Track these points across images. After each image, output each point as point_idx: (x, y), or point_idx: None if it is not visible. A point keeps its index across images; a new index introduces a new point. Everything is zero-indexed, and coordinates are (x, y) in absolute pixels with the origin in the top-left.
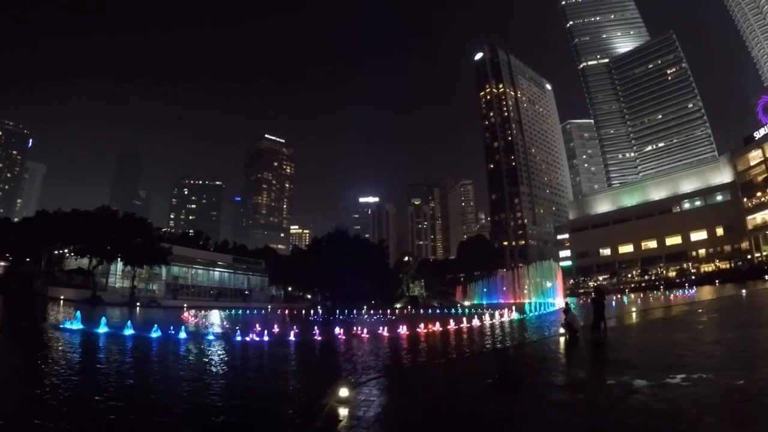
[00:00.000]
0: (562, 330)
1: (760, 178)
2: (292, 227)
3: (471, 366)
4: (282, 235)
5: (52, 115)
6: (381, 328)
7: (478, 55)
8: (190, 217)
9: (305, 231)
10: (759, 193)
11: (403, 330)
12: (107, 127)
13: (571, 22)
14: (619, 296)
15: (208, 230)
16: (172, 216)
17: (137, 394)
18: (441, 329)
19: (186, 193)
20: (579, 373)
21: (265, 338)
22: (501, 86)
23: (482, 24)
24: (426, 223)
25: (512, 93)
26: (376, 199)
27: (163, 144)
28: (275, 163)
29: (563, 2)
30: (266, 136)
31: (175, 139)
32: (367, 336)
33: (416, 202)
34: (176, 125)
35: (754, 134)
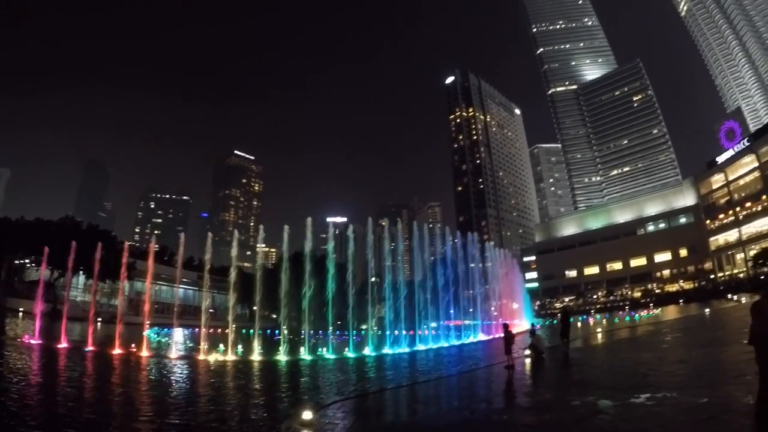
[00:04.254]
0: (527, 351)
1: (722, 201)
2: (258, 245)
3: (436, 389)
4: (248, 253)
5: (19, 120)
6: (344, 348)
7: (450, 79)
8: (156, 232)
9: (272, 249)
10: (721, 216)
11: (368, 351)
12: (75, 135)
13: (541, 49)
14: (588, 318)
15: (174, 246)
16: (137, 230)
17: None
18: (408, 351)
19: (152, 206)
20: (545, 394)
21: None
22: (471, 110)
23: (454, 48)
24: (394, 244)
25: (482, 117)
26: (344, 219)
27: (131, 156)
28: (243, 180)
29: (535, 29)
30: (236, 152)
31: (143, 152)
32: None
33: (384, 223)
34: (145, 138)
35: (717, 159)
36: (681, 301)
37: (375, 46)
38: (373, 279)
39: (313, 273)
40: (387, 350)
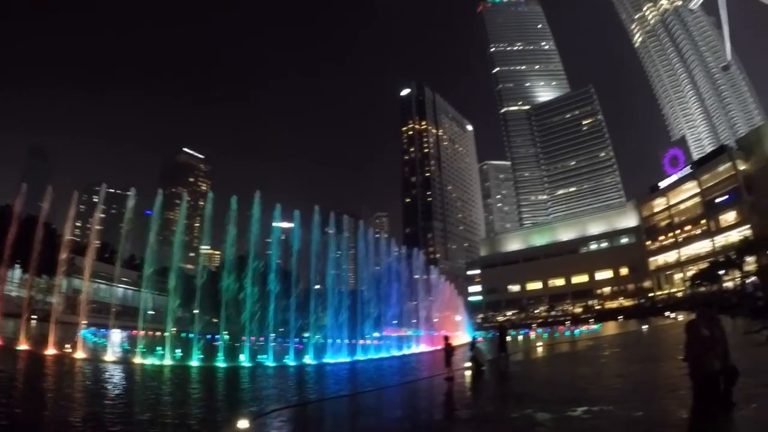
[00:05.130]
0: (468, 364)
1: (662, 224)
2: (202, 247)
3: (376, 399)
4: (192, 254)
5: None
6: (285, 356)
7: (405, 91)
8: (98, 227)
9: (216, 252)
10: (661, 237)
11: (309, 359)
12: (18, 124)
13: (498, 68)
14: (530, 332)
15: (116, 243)
16: (78, 223)
17: None
18: (349, 360)
19: (95, 201)
20: (484, 407)
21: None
22: (424, 123)
23: (412, 60)
24: (340, 252)
25: (434, 131)
26: (291, 225)
27: (76, 149)
28: (191, 179)
29: (493, 49)
30: (184, 149)
31: (89, 144)
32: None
33: (330, 231)
34: (91, 130)
35: (659, 184)
36: (620, 317)
37: (333, 54)
38: (317, 286)
39: (256, 278)
40: (328, 359)
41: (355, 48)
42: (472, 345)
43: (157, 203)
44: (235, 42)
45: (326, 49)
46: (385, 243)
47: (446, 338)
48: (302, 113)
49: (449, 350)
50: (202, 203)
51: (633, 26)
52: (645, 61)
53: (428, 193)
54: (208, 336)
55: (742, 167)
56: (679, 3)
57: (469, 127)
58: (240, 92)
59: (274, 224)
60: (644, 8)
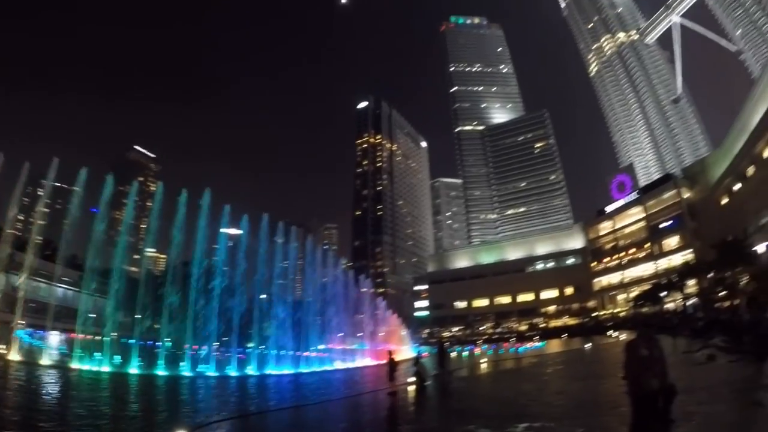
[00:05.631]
0: (411, 379)
1: (607, 246)
2: (148, 250)
3: (318, 413)
4: (137, 256)
5: None
6: (227, 365)
7: (362, 104)
8: (40, 222)
9: (162, 256)
10: (606, 259)
11: (251, 370)
12: None
13: (455, 88)
14: (474, 348)
15: (59, 240)
16: (21, 217)
17: None
18: (293, 372)
19: (40, 195)
20: (427, 423)
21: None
22: (379, 137)
23: (371, 72)
24: (287, 262)
25: (389, 145)
26: (239, 232)
27: (22, 138)
28: (141, 178)
29: (452, 68)
30: (135, 147)
31: (36, 135)
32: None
33: (279, 240)
34: (43, 123)
35: (606, 208)
36: (565, 335)
37: (294, 61)
38: (263, 296)
39: (200, 285)
40: (272, 370)
41: (316, 57)
42: (416, 360)
43: (107, 186)
44: (198, 46)
45: (287, 55)
46: (333, 256)
47: (390, 353)
48: (259, 118)
49: (393, 365)
50: (150, 204)
51: (590, 56)
52: (599, 89)
53: (379, 206)
54: (149, 342)
55: (686, 195)
56: (636, 37)
57: (424, 144)
58: (195, 96)
59: (221, 230)
60: (602, 39)
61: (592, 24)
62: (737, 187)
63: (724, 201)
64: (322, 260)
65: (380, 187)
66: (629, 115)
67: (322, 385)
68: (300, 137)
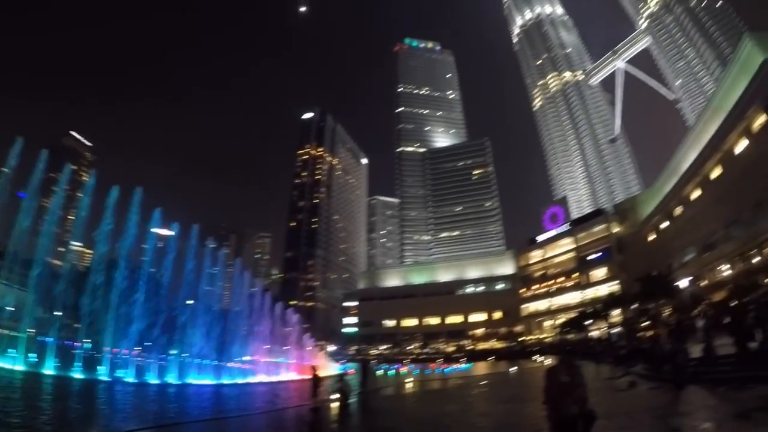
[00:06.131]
0: (335, 396)
1: (537, 274)
2: (74, 243)
3: (238, 427)
4: (62, 249)
5: None
6: (148, 372)
7: (308, 115)
8: None
9: (88, 251)
10: (535, 286)
11: (172, 378)
12: None
13: (402, 108)
14: (401, 367)
15: None
16: None
17: None
18: (215, 382)
19: None
20: None
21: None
22: (321, 149)
23: (320, 86)
24: (218, 268)
25: (329, 159)
26: (172, 233)
27: None
28: (73, 167)
29: (401, 89)
30: (71, 132)
31: None
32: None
33: (211, 245)
34: None
35: (538, 237)
36: (491, 358)
37: (245, 69)
38: (190, 301)
39: (125, 285)
40: (193, 380)
41: (269, 65)
42: (341, 377)
43: (40, 163)
44: (156, 48)
45: (241, 62)
46: (266, 266)
47: (314, 368)
48: (207, 123)
49: (316, 381)
50: (80, 195)
51: (535, 91)
52: (541, 123)
53: (314, 219)
54: (68, 342)
55: (615, 230)
56: (581, 78)
57: (364, 161)
58: (140, 95)
59: (152, 230)
60: (548, 76)
61: (540, 61)
62: (664, 225)
63: (651, 237)
64: (248, 270)
65: (317, 200)
66: (567, 151)
67: (243, 398)
68: (244, 144)
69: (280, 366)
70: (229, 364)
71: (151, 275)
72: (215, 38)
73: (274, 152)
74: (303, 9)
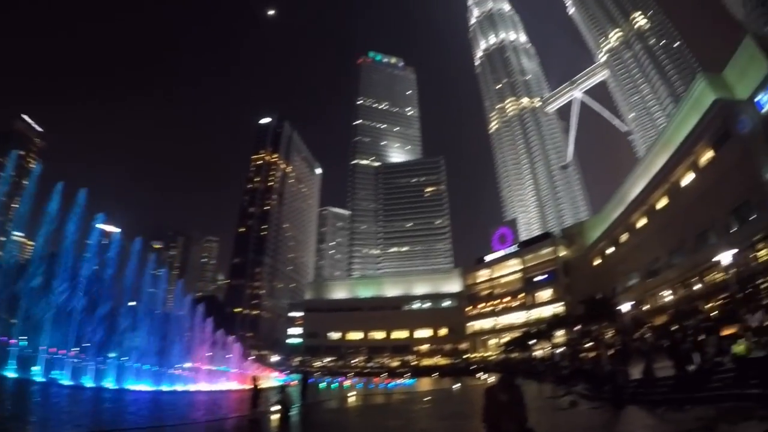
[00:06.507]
0: (275, 407)
1: (483, 293)
2: (16, 233)
3: None
4: (3, 238)
5: None
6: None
7: (266, 120)
8: None
9: (30, 243)
10: (481, 305)
11: (109, 383)
12: None
13: (360, 121)
14: (345, 380)
15: None
16: None
17: None
18: (154, 389)
19: None
20: None
21: None
22: (275, 156)
23: (280, 91)
24: (163, 270)
25: (284, 166)
26: (118, 230)
27: None
28: (22, 152)
29: (360, 101)
30: (23, 116)
31: None
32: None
33: (157, 246)
34: None
35: (486, 257)
36: (436, 375)
37: (209, 70)
38: (132, 303)
39: (66, 281)
40: (132, 385)
41: (233, 68)
42: (282, 388)
43: None
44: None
45: (204, 64)
46: (213, 271)
47: (255, 379)
48: (166, 123)
49: (257, 391)
50: (26, 183)
51: (493, 114)
52: (496, 146)
53: (264, 226)
54: (3, 338)
55: (562, 253)
56: (538, 104)
57: (318, 170)
58: (96, 93)
59: (98, 225)
60: (507, 101)
61: (500, 85)
62: (610, 250)
63: (597, 262)
64: (200, 274)
65: (268, 207)
66: (519, 174)
67: (181, 407)
68: (199, 146)
69: (221, 375)
70: (170, 371)
71: (93, 273)
72: (183, 39)
73: (230, 156)
74: (271, 12)
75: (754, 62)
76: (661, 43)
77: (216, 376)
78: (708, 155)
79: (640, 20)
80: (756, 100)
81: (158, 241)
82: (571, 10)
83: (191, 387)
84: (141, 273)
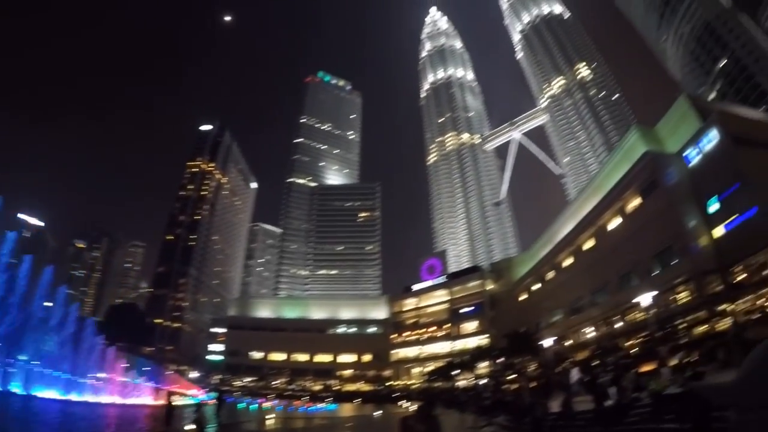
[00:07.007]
0: (190, 426)
1: (409, 321)
2: None
3: None
4: None
5: None
6: None
7: (206, 127)
8: None
9: None
10: (406, 333)
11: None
12: None
13: (301, 139)
14: (265, 401)
15: None
16: None
17: None
18: (63, 398)
19: None
20: None
21: None
22: (212, 165)
23: (224, 100)
24: (84, 271)
25: (219, 177)
26: (41, 224)
27: None
28: None
29: (304, 120)
30: None
31: None
32: None
33: (80, 245)
34: None
35: (413, 286)
36: (358, 400)
37: (155, 77)
38: (49, 303)
39: None
40: (40, 392)
41: (180, 74)
42: (199, 407)
43: None
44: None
45: (153, 69)
46: (136, 278)
47: (170, 395)
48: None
49: (171, 409)
50: None
51: (432, 146)
52: (432, 177)
53: (193, 236)
54: None
55: (489, 287)
56: (477, 141)
57: (254, 185)
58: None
59: (20, 215)
60: (447, 135)
61: (443, 119)
62: (536, 287)
63: (523, 297)
64: (121, 279)
65: (199, 217)
66: (453, 207)
67: (94, 419)
68: (135, 147)
69: (136, 388)
70: (81, 380)
71: (7, 267)
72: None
73: (166, 158)
74: (227, 18)
75: (686, 119)
76: (601, 95)
77: (131, 389)
78: (635, 202)
79: (584, 71)
80: (684, 154)
81: (82, 240)
82: (519, 55)
83: (103, 398)
84: (61, 272)
